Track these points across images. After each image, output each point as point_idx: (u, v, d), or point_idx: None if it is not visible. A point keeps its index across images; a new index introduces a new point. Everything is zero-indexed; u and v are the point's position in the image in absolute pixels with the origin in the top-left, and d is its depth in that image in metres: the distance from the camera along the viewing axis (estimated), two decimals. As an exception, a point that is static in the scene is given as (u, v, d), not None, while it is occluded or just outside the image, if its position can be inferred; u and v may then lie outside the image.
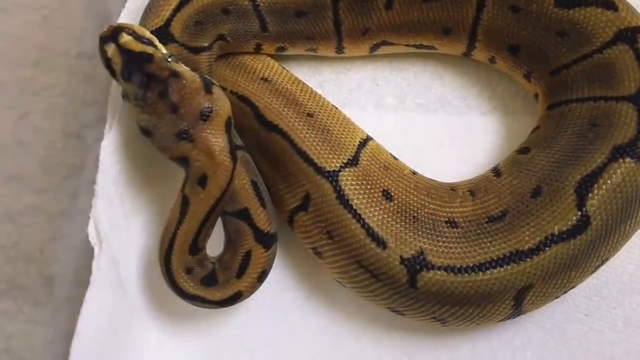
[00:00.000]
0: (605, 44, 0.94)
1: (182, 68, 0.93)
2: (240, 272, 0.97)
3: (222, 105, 0.92)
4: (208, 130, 0.91)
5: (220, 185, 0.92)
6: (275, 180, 1.00)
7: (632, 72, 0.92)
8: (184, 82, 0.91)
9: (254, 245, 0.97)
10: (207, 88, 0.92)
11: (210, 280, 0.97)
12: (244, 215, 0.97)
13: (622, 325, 0.99)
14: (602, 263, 0.93)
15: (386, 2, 1.02)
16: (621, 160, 0.88)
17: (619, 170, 0.88)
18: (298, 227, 0.99)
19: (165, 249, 0.95)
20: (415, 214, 0.93)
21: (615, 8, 0.94)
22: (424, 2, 1.01)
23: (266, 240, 0.97)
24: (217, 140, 0.91)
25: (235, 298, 0.97)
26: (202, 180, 0.91)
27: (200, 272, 0.97)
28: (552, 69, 0.98)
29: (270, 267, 1.00)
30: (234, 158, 0.92)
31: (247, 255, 0.97)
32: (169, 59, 0.92)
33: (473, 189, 0.96)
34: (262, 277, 0.99)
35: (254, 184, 0.98)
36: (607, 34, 0.94)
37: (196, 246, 0.95)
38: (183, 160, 0.92)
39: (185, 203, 0.93)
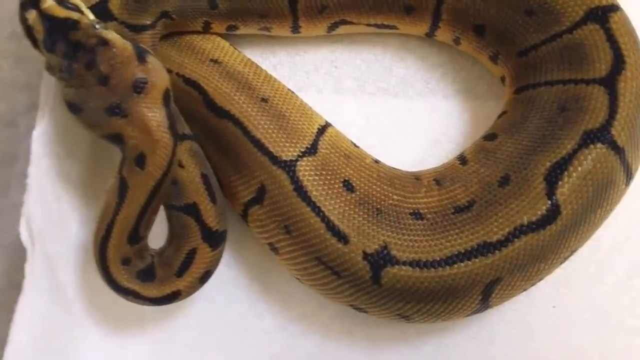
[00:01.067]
0: (575, 24, 0.89)
1: (112, 35, 0.84)
2: (182, 270, 0.90)
3: (159, 75, 0.84)
4: (143, 104, 0.83)
5: (161, 165, 0.84)
6: (228, 172, 0.93)
7: (603, 53, 0.88)
8: (114, 50, 0.83)
9: (199, 244, 0.90)
10: (141, 57, 0.84)
11: (147, 275, 0.90)
12: (192, 210, 0.90)
13: (590, 316, 0.97)
14: (571, 254, 0.89)
15: None
16: (592, 146, 0.84)
17: (589, 157, 0.84)
18: (253, 221, 0.93)
19: (101, 237, 0.87)
20: (379, 206, 0.88)
21: (585, -15, 0.90)
22: None
23: (214, 239, 0.91)
24: (153, 114, 0.83)
25: (173, 297, 0.91)
26: (140, 160, 0.84)
27: (138, 264, 0.90)
28: (519, 50, 0.94)
29: (215, 267, 0.93)
30: (174, 134, 0.84)
31: (192, 253, 0.90)
32: (97, 26, 0.84)
33: (438, 178, 0.91)
34: (204, 278, 0.92)
35: (204, 177, 0.91)
36: (576, 12, 0.89)
37: (137, 235, 0.88)
38: (117, 139, 0.84)
39: (123, 186, 0.85)
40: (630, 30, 0.89)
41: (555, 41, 0.91)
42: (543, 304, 0.97)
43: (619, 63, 0.87)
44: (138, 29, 0.93)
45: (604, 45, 0.88)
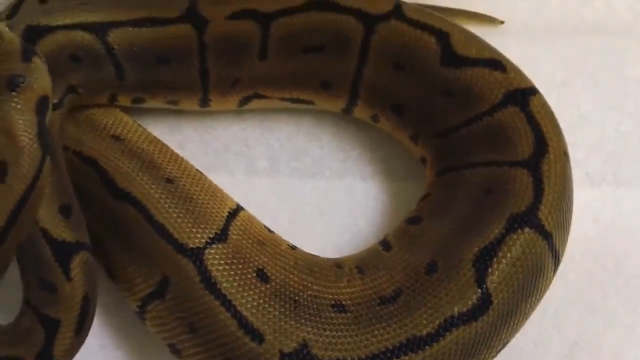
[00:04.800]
0: (495, 106, 0.88)
1: (2, 27, 0.75)
2: None
3: (40, 80, 0.74)
4: (13, 103, 0.72)
5: (24, 177, 0.72)
6: (124, 262, 0.83)
7: (525, 135, 0.86)
8: None
9: None
10: (27, 55, 0.74)
11: None
12: (51, 326, 0.78)
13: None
14: (503, 347, 0.84)
15: (259, 51, 0.91)
16: (520, 231, 0.81)
17: (518, 242, 0.80)
18: (152, 318, 0.82)
19: None
20: (297, 297, 0.80)
21: (503, 69, 0.90)
22: (302, 53, 0.92)
23: None
24: (22, 117, 0.72)
25: None
26: (2, 171, 0.72)
27: None
28: (439, 131, 0.91)
29: None
30: (43, 145, 0.73)
31: None
32: None
33: (361, 265, 0.85)
34: None
35: (85, 300, 0.79)
36: (495, 95, 0.88)
37: None
38: None
39: None
40: (550, 114, 0.89)
41: (476, 123, 0.89)
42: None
43: (541, 146, 0.85)
44: None
45: (525, 127, 0.86)
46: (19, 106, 0.72)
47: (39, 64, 0.75)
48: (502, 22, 1.09)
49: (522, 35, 1.09)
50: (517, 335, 0.87)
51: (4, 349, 0.78)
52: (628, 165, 1.03)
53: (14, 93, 0.72)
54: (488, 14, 1.09)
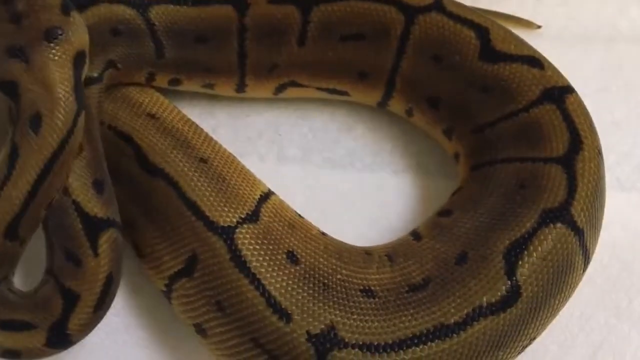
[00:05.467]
0: (531, 103, 0.88)
1: None
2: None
3: (78, 34, 0.75)
4: (51, 55, 0.72)
5: (59, 129, 0.72)
6: (153, 239, 0.83)
7: (560, 132, 0.86)
8: None
9: (43, 334, 0.77)
10: (66, 8, 0.75)
11: None
12: (71, 298, 0.78)
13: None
14: (530, 342, 0.83)
15: (299, 37, 0.92)
16: (552, 226, 0.80)
17: (549, 236, 0.80)
18: (178, 297, 0.82)
19: None
20: (326, 281, 0.79)
21: (541, 66, 0.90)
22: (340, 41, 0.92)
23: (59, 342, 0.79)
24: (59, 69, 0.73)
25: None
26: (36, 122, 0.72)
27: None
28: (475, 127, 0.91)
29: None
30: (79, 100, 0.74)
31: (27, 327, 0.77)
32: None
33: (391, 254, 0.84)
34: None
35: (108, 279, 0.79)
36: (533, 92, 0.88)
37: (16, 229, 0.74)
38: (11, 89, 0.72)
39: (13, 155, 0.73)
40: (585, 112, 0.89)
41: (512, 119, 0.89)
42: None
43: (576, 143, 0.85)
44: (85, 82, 0.83)
45: (561, 125, 0.86)
46: (56, 58, 0.73)
47: (77, 19, 0.76)
48: (539, 27, 1.09)
49: (558, 41, 1.10)
50: (543, 335, 0.86)
51: (19, 314, 0.78)
52: (660, 173, 1.03)
53: (52, 44, 0.73)
54: (525, 18, 1.09)
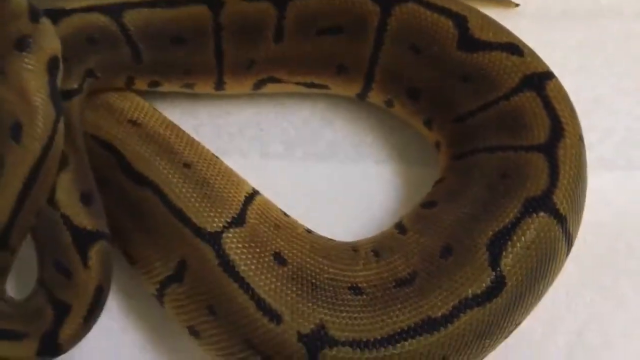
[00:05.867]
0: (512, 90, 0.88)
1: None
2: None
3: (49, 40, 0.76)
4: (24, 64, 0.74)
5: (39, 137, 0.74)
6: (142, 246, 0.84)
7: (541, 120, 0.86)
8: (5, 2, 0.75)
9: (33, 343, 0.78)
10: (34, 16, 0.75)
11: None
12: (61, 310, 0.79)
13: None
14: (515, 327, 0.85)
15: (275, 32, 0.91)
16: (535, 215, 0.81)
17: (532, 226, 0.81)
18: (170, 301, 0.83)
19: None
20: (314, 280, 0.81)
21: (520, 53, 0.90)
22: (317, 35, 0.92)
23: (48, 352, 0.79)
24: (34, 77, 0.74)
25: None
26: (16, 131, 0.73)
27: None
28: (455, 116, 0.92)
29: None
30: (56, 104, 0.75)
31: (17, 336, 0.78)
32: None
33: (377, 249, 0.86)
34: None
35: (98, 290, 0.80)
36: (512, 79, 0.88)
37: (6, 238, 0.76)
38: None
39: None
40: (566, 98, 0.89)
41: (492, 108, 0.89)
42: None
43: (557, 130, 0.86)
44: (66, 95, 0.84)
45: (542, 112, 0.87)
46: (29, 67, 0.74)
47: (47, 25, 0.76)
48: (518, 5, 1.09)
49: (538, 19, 1.10)
50: (530, 315, 0.87)
51: (11, 323, 0.79)
52: (641, 150, 1.04)
53: (24, 54, 0.74)
54: (505, -4, 1.09)
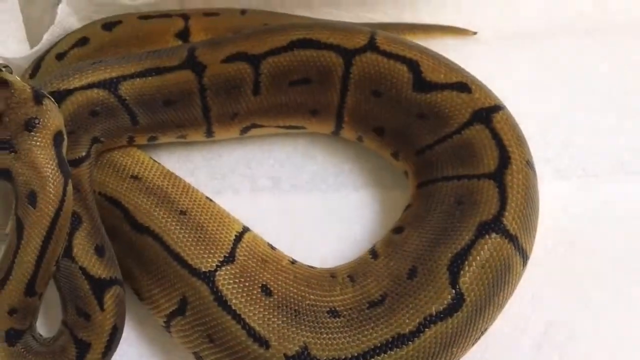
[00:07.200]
0: (463, 125, 0.97)
1: (14, 78, 0.89)
2: None
3: (52, 118, 0.88)
4: (33, 142, 0.86)
5: (52, 202, 0.86)
6: (149, 285, 0.96)
7: (490, 150, 0.96)
8: (12, 91, 0.87)
9: None
10: (38, 99, 0.88)
11: (14, 337, 0.90)
12: (83, 347, 0.92)
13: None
14: (482, 334, 0.95)
15: (253, 87, 1.02)
16: (487, 237, 0.91)
17: (486, 246, 0.91)
18: (176, 332, 0.96)
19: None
20: (297, 307, 0.92)
21: (469, 90, 0.99)
22: (290, 86, 1.02)
23: None
24: (43, 152, 0.86)
25: None
26: (32, 198, 0.86)
27: (18, 323, 0.90)
28: (417, 149, 1.01)
29: None
30: (64, 172, 0.88)
31: None
32: (3, 69, 0.88)
33: (352, 274, 0.96)
34: None
35: (114, 330, 0.93)
36: (463, 115, 0.97)
37: (33, 286, 0.89)
38: (6, 175, 0.86)
39: (19, 227, 0.87)
40: (513, 127, 0.98)
41: (447, 141, 0.98)
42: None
43: (505, 158, 0.95)
44: (76, 163, 0.96)
45: (490, 142, 0.96)
46: (38, 143, 0.86)
47: (49, 105, 0.88)
48: (475, 33, 1.17)
49: (494, 42, 1.18)
50: (500, 317, 0.96)
51: (42, 359, 0.92)
52: (596, 158, 1.11)
53: (32, 133, 0.86)
54: (462, 25, 1.17)
